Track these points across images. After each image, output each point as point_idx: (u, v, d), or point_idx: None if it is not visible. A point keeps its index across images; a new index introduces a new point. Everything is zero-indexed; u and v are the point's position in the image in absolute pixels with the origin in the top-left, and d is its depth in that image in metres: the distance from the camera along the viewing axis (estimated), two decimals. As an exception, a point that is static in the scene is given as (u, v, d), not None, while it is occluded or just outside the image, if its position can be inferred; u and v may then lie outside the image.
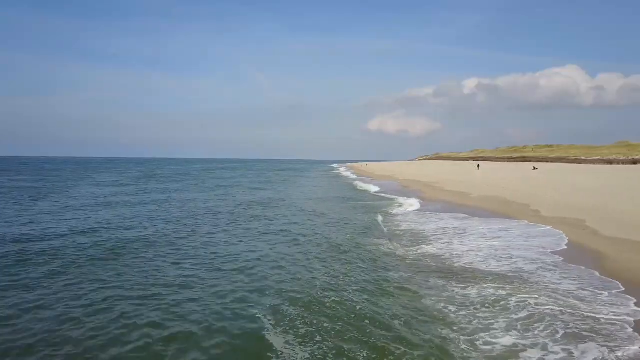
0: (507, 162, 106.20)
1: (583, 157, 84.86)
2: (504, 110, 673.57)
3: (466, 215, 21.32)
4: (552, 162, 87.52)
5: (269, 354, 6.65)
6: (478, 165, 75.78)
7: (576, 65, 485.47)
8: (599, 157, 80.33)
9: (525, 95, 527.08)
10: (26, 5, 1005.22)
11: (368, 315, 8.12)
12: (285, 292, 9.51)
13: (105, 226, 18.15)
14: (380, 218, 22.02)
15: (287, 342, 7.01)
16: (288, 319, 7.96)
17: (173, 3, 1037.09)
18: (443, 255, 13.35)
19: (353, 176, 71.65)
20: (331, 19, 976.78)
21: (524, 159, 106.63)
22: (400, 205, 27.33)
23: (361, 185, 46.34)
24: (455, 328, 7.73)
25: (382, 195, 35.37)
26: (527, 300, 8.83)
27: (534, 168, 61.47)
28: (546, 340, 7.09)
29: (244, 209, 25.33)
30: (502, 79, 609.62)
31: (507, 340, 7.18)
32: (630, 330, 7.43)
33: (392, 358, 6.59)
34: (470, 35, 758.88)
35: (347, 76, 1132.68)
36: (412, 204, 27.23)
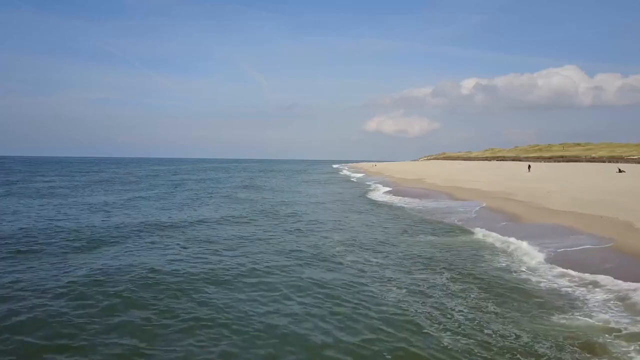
0: (544, 162, 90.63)
1: (648, 157, 69.65)
2: (502, 111, 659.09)
3: None
4: (607, 161, 72.07)
5: None
6: (529, 167, 60.51)
7: (574, 65, 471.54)
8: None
9: (523, 96, 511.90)
10: (27, 5, 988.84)
11: None
12: None
13: None
14: None
15: None
16: None
17: (173, 3, 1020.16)
18: None
19: (374, 183, 56.20)
20: (331, 19, 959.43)
21: (563, 159, 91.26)
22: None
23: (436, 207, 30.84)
24: None
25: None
26: None
27: (620, 170, 46.06)
28: None
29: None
30: (500, 79, 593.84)
31: None
32: None
33: None
34: (469, 36, 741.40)
35: (346, 76, 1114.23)
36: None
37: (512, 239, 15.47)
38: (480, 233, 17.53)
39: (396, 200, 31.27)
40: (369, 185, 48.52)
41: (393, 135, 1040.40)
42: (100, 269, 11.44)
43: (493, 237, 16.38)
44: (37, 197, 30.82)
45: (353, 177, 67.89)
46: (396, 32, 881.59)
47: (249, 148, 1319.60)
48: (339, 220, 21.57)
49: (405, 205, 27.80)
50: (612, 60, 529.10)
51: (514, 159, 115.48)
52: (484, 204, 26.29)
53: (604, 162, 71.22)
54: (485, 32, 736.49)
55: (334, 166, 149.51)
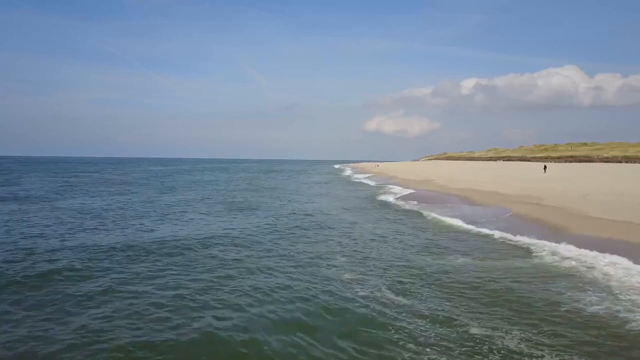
0: (554, 162, 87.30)
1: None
2: (502, 111, 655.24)
3: None
4: (623, 162, 68.79)
5: None
6: (545, 167, 57.27)
7: (574, 65, 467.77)
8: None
9: (523, 96, 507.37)
10: (27, 5, 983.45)
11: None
12: None
13: None
14: None
15: None
16: None
17: (173, 3, 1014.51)
18: None
19: (381, 185, 53.15)
20: (331, 19, 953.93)
21: (573, 159, 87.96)
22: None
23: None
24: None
25: None
26: None
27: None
28: None
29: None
30: (500, 79, 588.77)
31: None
32: None
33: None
34: (469, 36, 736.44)
35: (347, 76, 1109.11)
36: None
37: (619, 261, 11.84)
38: (543, 252, 13.85)
39: (411, 205, 27.93)
40: (377, 188, 45.23)
41: (393, 135, 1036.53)
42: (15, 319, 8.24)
43: (572, 259, 12.63)
44: (8, 201, 27.66)
45: (358, 179, 64.66)
46: (396, 32, 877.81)
47: (249, 148, 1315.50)
48: (349, 234, 18.36)
49: (424, 212, 24.52)
50: (612, 60, 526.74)
51: (520, 159, 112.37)
52: (511, 211, 23.08)
53: (619, 162, 67.91)
54: (485, 32, 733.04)
55: (336, 166, 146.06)
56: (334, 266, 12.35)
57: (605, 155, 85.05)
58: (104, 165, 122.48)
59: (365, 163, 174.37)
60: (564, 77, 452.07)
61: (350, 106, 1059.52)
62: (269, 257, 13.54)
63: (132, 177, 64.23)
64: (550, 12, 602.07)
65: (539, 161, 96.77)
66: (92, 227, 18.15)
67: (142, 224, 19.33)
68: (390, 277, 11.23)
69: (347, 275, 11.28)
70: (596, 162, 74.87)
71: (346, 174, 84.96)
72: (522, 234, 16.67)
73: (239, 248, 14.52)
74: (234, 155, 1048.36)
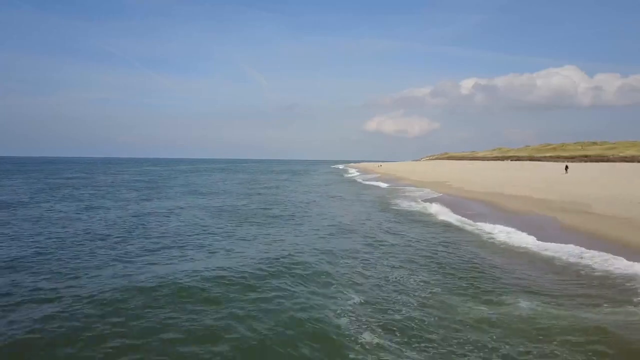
0: (567, 162, 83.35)
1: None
2: (502, 111, 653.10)
3: None
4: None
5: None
6: (566, 167, 53.31)
7: (574, 65, 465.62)
8: None
9: (523, 96, 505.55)
10: (27, 5, 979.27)
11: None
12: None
13: None
14: None
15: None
16: None
17: (173, 3, 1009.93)
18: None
19: (394, 187, 49.15)
20: (331, 19, 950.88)
21: (587, 158, 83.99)
22: None
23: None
24: None
25: None
26: None
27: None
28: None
29: None
30: (500, 79, 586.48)
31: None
32: None
33: None
34: (469, 36, 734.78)
35: (346, 76, 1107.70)
36: None
37: None
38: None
39: (438, 214, 23.87)
40: (390, 192, 41.12)
41: (393, 135, 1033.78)
42: None
43: None
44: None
45: (364, 180, 60.67)
46: (396, 32, 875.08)
47: (249, 148, 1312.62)
48: (367, 260, 14.42)
49: (454, 222, 20.46)
50: (612, 60, 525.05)
51: (529, 159, 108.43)
52: (562, 221, 19.07)
53: (630, 162, 63.97)
54: (485, 32, 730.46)
55: (338, 167, 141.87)
56: (350, 324, 8.42)
57: (621, 154, 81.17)
58: (101, 166, 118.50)
59: (366, 163, 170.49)
60: (563, 77, 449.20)
61: (350, 106, 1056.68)
62: (252, 311, 9.60)
63: (124, 178, 60.27)
64: (550, 12, 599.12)
65: (550, 160, 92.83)
66: (38, 247, 14.06)
67: (101, 246, 15.31)
68: (430, 343, 7.28)
69: (366, 337, 7.34)
70: (616, 161, 70.90)
71: (350, 174, 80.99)
72: (598, 259, 12.72)
73: (212, 294, 10.39)
74: (234, 155, 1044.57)
